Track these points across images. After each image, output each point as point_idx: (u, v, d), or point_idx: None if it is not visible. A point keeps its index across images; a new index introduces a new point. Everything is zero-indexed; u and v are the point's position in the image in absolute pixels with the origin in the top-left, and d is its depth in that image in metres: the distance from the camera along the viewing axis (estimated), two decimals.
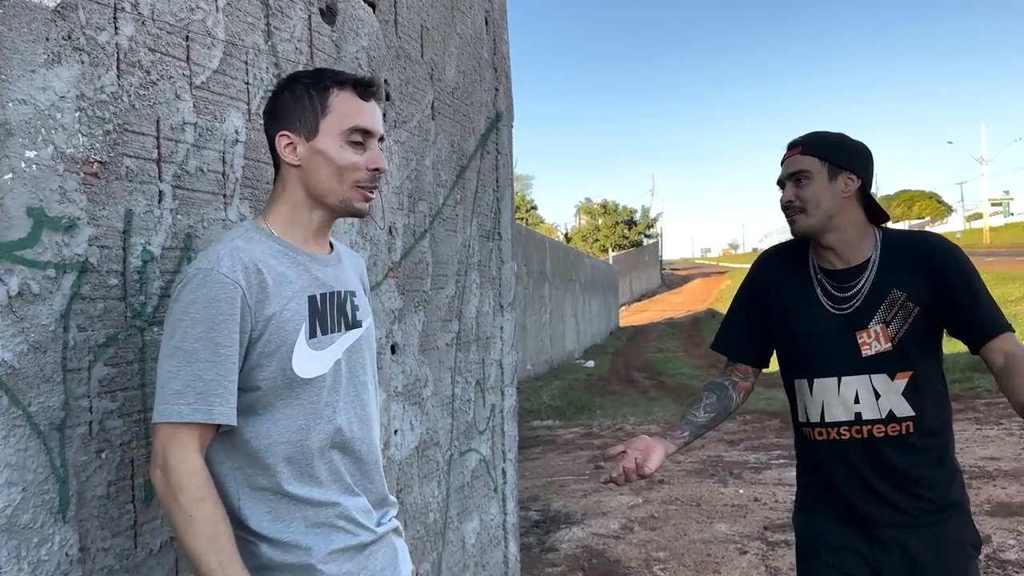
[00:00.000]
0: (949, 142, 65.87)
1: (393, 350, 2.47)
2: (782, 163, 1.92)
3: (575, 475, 6.49)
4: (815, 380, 1.87)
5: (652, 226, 51.66)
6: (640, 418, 9.52)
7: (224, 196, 1.70)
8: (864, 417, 1.82)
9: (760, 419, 8.81)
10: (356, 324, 1.45)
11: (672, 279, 51.30)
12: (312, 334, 1.34)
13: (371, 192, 1.41)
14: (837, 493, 1.88)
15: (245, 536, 1.30)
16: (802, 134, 1.94)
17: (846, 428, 1.84)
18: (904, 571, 1.82)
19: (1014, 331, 1.81)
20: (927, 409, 1.81)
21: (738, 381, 2.04)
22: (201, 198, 1.63)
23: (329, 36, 2.17)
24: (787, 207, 1.88)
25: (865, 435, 1.82)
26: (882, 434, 1.81)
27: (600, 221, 48.88)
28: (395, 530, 1.53)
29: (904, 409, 1.80)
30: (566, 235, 47.93)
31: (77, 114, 1.33)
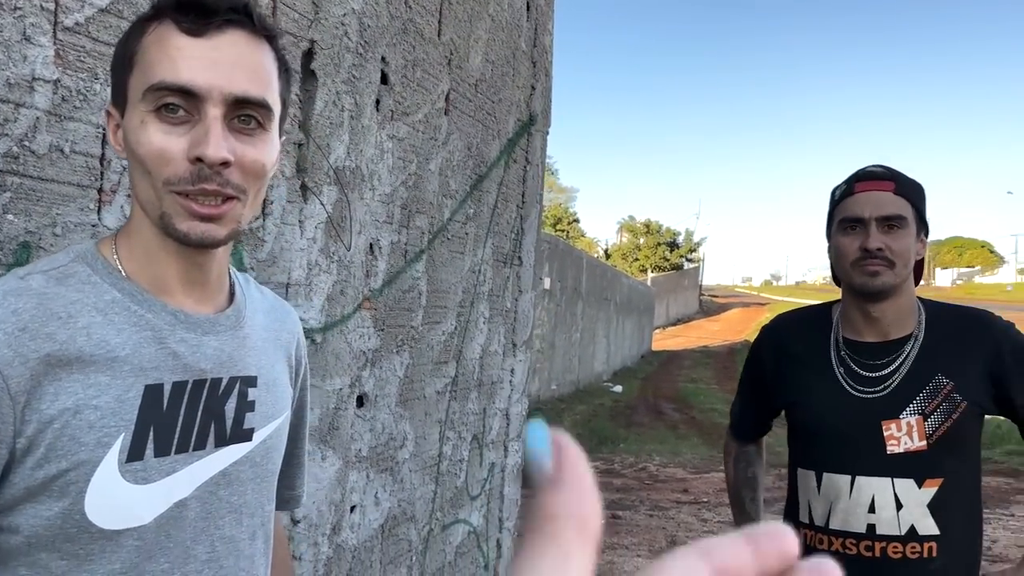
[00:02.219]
0: (1009, 192, 63.73)
1: (360, 402, 1.93)
2: (853, 192, 1.54)
3: None
4: (824, 475, 1.56)
5: (695, 250, 50.66)
6: (666, 459, 8.85)
7: (99, 191, 1.18)
8: (879, 531, 1.50)
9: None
10: (239, 437, 0.90)
11: (710, 306, 50.11)
12: (135, 455, 0.79)
13: (205, 202, 0.80)
14: None
15: None
16: (874, 164, 1.59)
17: (853, 542, 1.52)
18: None
19: None
20: (955, 527, 1.51)
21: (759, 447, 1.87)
22: (55, 191, 1.11)
23: None
24: (874, 256, 1.49)
25: (877, 554, 1.50)
26: (898, 555, 1.49)
27: (642, 240, 48.03)
28: None
29: (928, 526, 1.49)
30: (606, 251, 47.16)
31: None
